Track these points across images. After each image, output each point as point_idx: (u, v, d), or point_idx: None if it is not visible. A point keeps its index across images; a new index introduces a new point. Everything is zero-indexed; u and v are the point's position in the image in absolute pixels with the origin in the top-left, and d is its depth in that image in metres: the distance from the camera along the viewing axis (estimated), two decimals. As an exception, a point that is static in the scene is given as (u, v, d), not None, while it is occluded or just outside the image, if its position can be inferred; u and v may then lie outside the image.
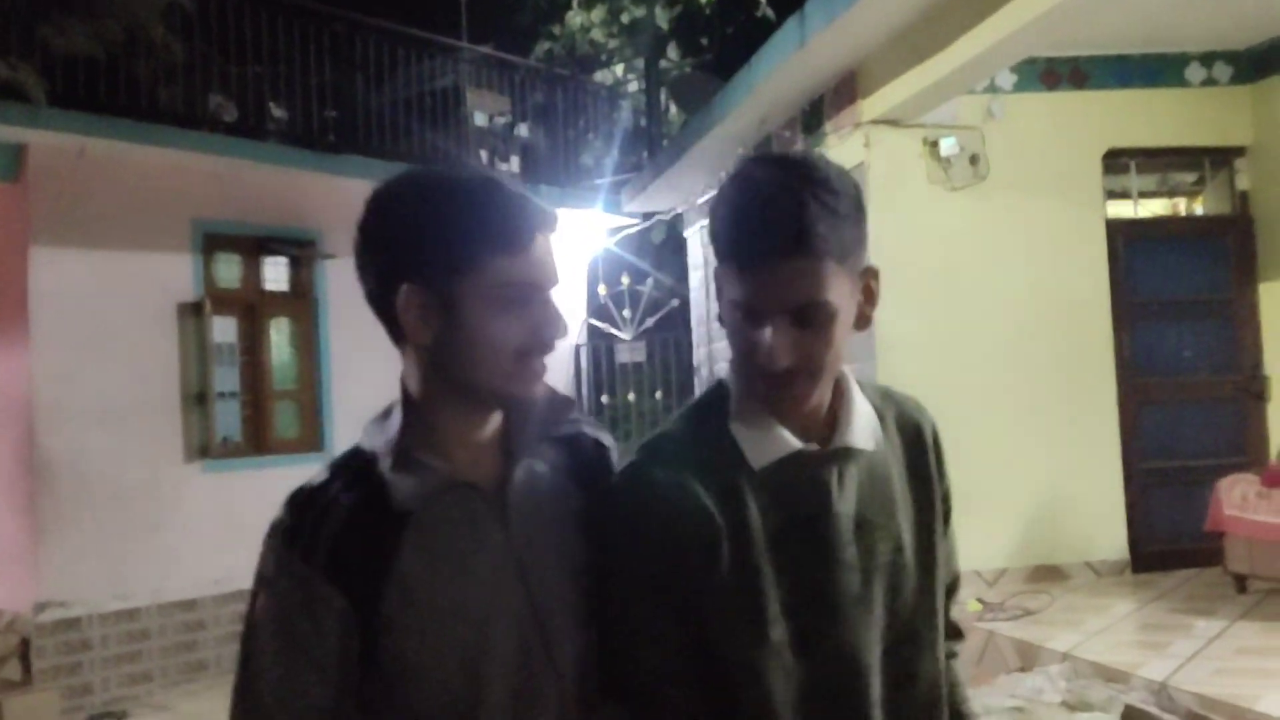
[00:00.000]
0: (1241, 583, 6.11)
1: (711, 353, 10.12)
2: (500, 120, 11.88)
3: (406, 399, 1.38)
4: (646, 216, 11.46)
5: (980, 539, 6.94)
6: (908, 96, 6.68)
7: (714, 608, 1.37)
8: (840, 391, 1.49)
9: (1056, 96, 7.33)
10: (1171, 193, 7.77)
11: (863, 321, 1.45)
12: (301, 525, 1.29)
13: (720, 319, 1.46)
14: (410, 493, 1.31)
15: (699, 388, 10.49)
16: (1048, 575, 6.96)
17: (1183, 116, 7.38)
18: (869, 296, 1.45)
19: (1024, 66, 7.13)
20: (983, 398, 7.05)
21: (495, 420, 1.41)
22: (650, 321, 11.10)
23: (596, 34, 13.05)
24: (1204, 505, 6.34)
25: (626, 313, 11.21)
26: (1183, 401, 7.29)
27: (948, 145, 7.06)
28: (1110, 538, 7.18)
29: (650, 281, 11.20)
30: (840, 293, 1.38)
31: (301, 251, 8.96)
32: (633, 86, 13.09)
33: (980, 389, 7.06)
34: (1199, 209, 7.74)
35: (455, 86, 11.50)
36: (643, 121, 12.50)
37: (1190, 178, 7.70)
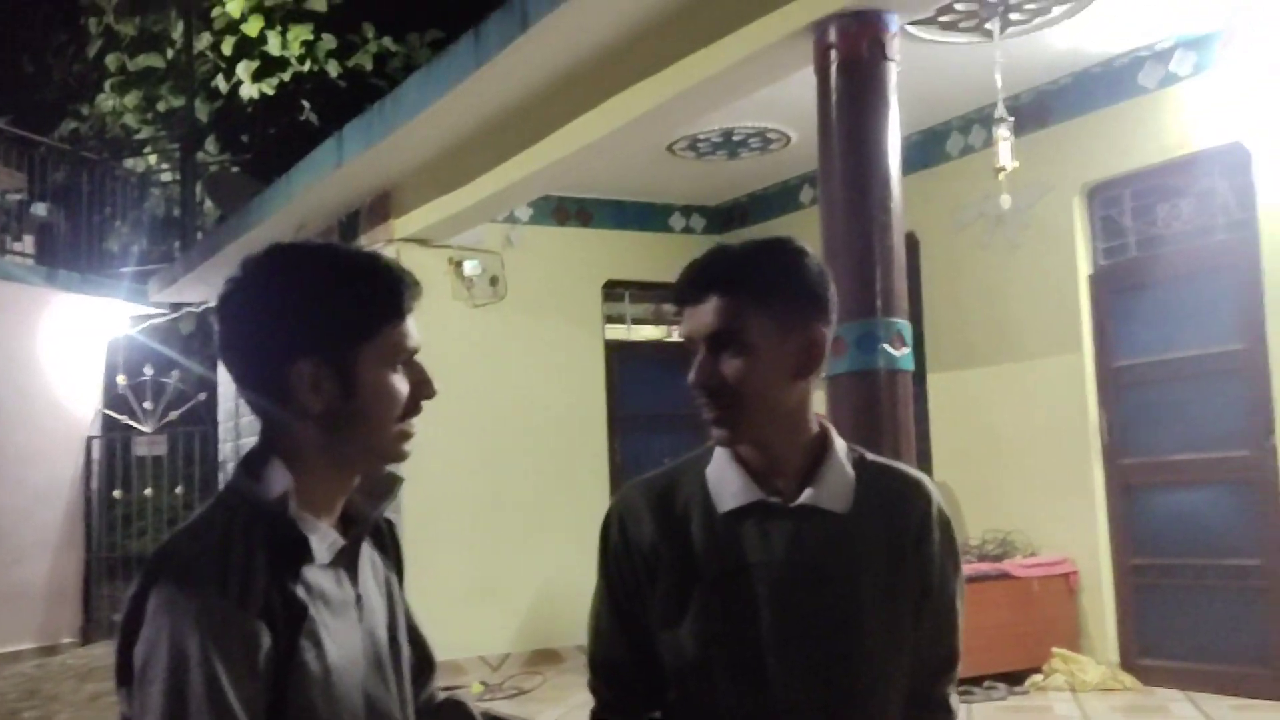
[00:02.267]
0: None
1: (239, 448, 10.09)
2: (13, 197, 11.22)
3: (288, 460, 1.40)
4: (175, 307, 11.26)
5: (487, 627, 7.57)
6: (436, 220, 7.35)
7: (655, 620, 1.62)
8: (818, 453, 1.64)
9: (566, 231, 8.34)
10: (658, 320, 9.02)
11: (803, 370, 1.60)
12: (229, 571, 1.28)
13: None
14: (317, 548, 1.37)
15: (223, 483, 10.39)
16: (545, 659, 7.70)
17: (667, 257, 8.62)
18: (813, 351, 1.60)
19: (539, 203, 8.07)
20: (497, 493, 7.74)
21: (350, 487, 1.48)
22: (174, 414, 10.84)
23: (129, 119, 12.70)
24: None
25: (148, 404, 10.88)
26: (663, 501, 8.36)
27: (471, 266, 7.79)
28: (601, 623, 8.03)
29: (176, 373, 10.97)
30: (760, 332, 1.56)
31: None
32: (166, 176, 12.85)
33: (496, 485, 7.74)
34: (678, 336, 9.04)
35: (-37, 156, 10.75)
36: (176, 212, 12.30)
37: (673, 309, 8.98)
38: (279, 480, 1.37)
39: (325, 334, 1.37)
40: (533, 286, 8.10)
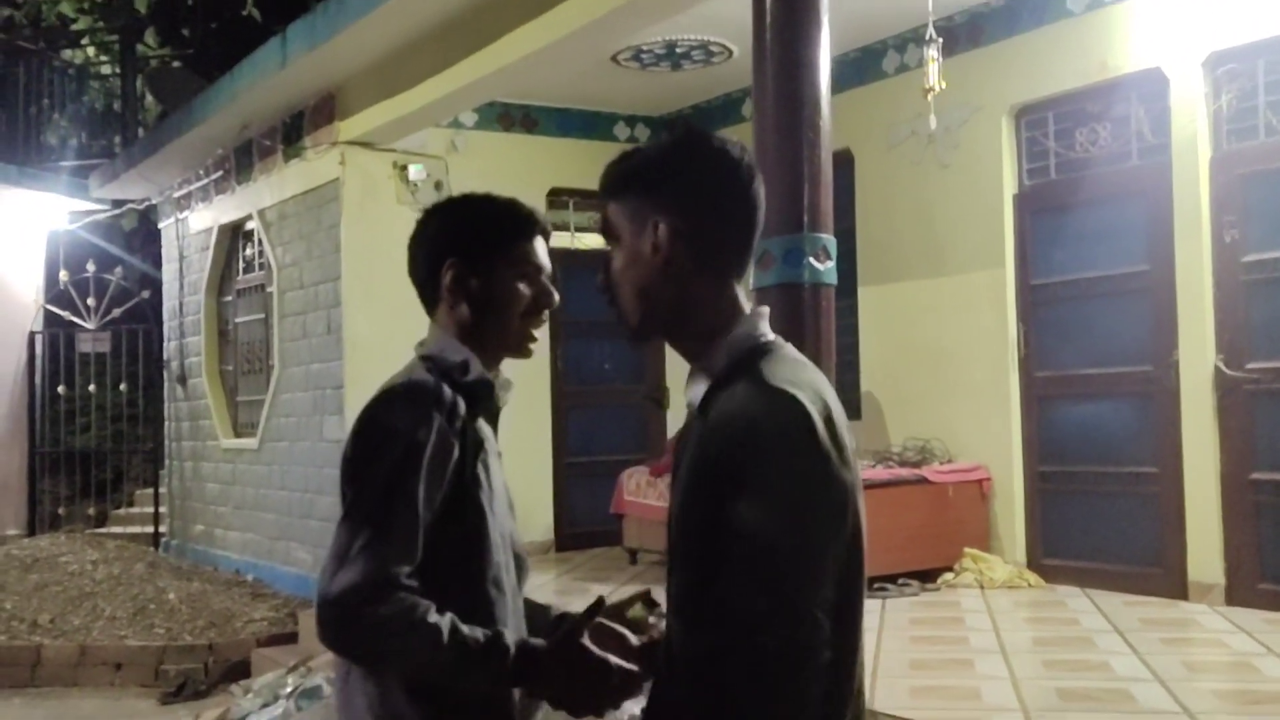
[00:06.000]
0: (633, 556, 7.52)
1: (184, 346, 10.17)
2: (-53, 86, 11.01)
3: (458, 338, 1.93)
4: (118, 204, 11.19)
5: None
6: (381, 124, 7.40)
7: None
8: (712, 358, 1.60)
9: (510, 137, 8.42)
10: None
11: (664, 263, 1.58)
12: (442, 399, 1.79)
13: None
14: (490, 398, 1.92)
15: (168, 382, 10.49)
16: (486, 554, 7.97)
17: (612, 166, 8.76)
18: (656, 243, 1.58)
19: (484, 109, 8.12)
20: (437, 398, 7.92)
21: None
22: (117, 311, 10.85)
23: (65, 8, 12.40)
24: (611, 493, 7.67)
25: (91, 301, 10.87)
26: (601, 406, 8.68)
27: (415, 171, 7.87)
28: (540, 522, 8.36)
29: (119, 270, 10.95)
30: (619, 224, 1.62)
31: None
32: (106, 68, 12.60)
33: (435, 390, 7.92)
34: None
35: (-106, 44, 10.50)
36: (116, 106, 12.11)
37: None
38: (457, 350, 1.91)
39: (470, 243, 1.93)
40: (477, 192, 8.17)
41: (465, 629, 1.66)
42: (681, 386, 1.72)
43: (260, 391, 9.05)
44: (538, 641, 1.73)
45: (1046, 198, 6.38)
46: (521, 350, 1.97)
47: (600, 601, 1.75)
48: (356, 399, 7.73)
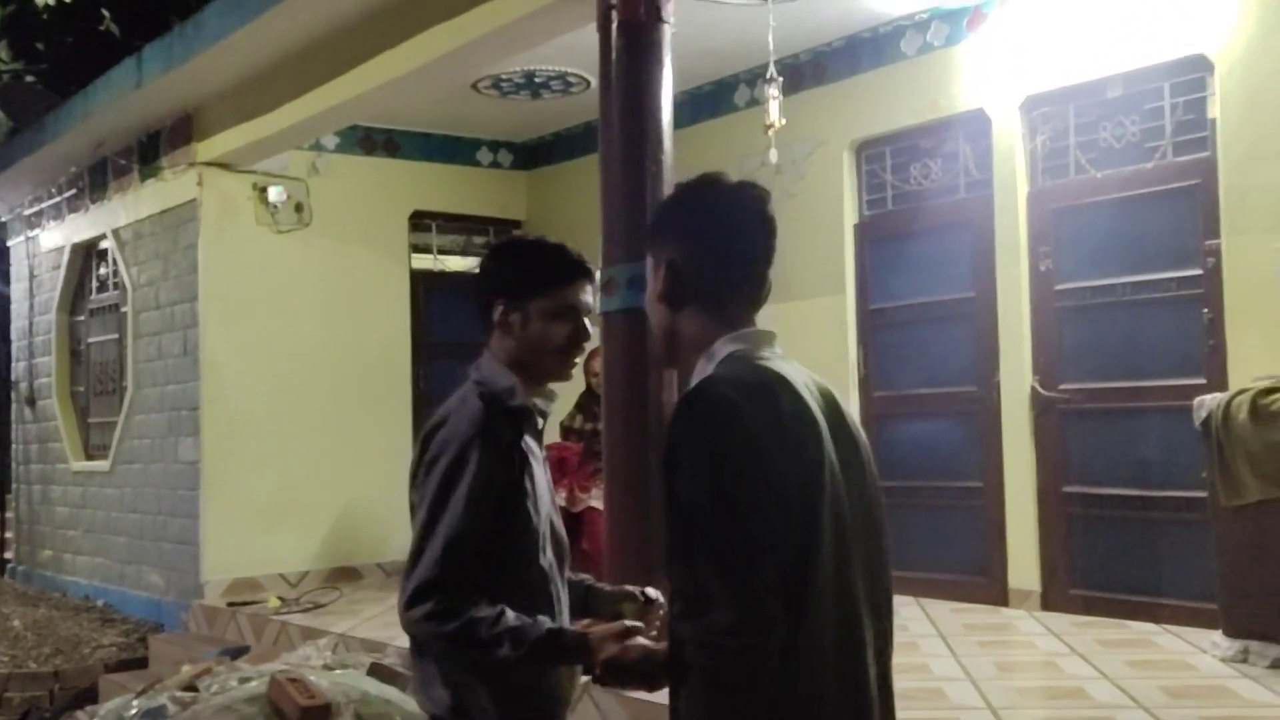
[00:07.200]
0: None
1: (33, 367, 9.91)
2: None
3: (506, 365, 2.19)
4: (-36, 221, 10.86)
5: (286, 546, 7.80)
6: (240, 146, 7.42)
7: None
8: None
9: (372, 161, 8.48)
10: (465, 251, 9.25)
11: (661, 295, 1.86)
12: (489, 426, 2.06)
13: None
14: (530, 420, 2.17)
15: (16, 403, 10.20)
16: (344, 575, 7.99)
17: (475, 190, 8.91)
18: (660, 278, 1.84)
19: (346, 131, 8.17)
20: (299, 418, 7.92)
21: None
22: (-39, 332, 10.53)
23: (-88, 18, 11.98)
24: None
25: (-66, 321, 10.52)
26: (463, 426, 8.77)
27: (275, 193, 7.88)
28: (400, 540, 8.39)
29: (-37, 289, 10.62)
30: (649, 263, 1.88)
31: None
32: (-46, 82, 12.20)
33: (297, 410, 7.92)
34: (484, 268, 9.32)
35: None
36: (-37, 121, 11.73)
37: (481, 240, 9.26)
38: (505, 377, 2.16)
39: (513, 285, 2.18)
40: (338, 214, 8.22)
41: (511, 617, 1.98)
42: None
43: (113, 413, 8.90)
44: (576, 629, 2.05)
45: (884, 228, 6.75)
46: (559, 377, 2.24)
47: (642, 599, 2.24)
48: (213, 420, 7.68)
